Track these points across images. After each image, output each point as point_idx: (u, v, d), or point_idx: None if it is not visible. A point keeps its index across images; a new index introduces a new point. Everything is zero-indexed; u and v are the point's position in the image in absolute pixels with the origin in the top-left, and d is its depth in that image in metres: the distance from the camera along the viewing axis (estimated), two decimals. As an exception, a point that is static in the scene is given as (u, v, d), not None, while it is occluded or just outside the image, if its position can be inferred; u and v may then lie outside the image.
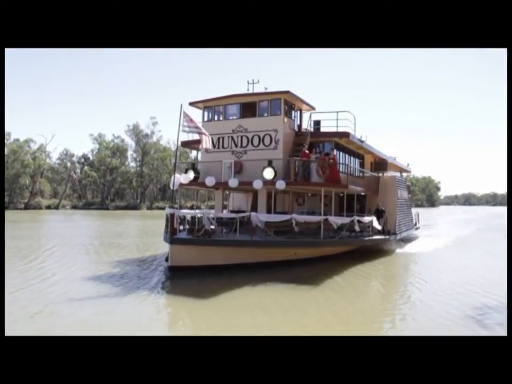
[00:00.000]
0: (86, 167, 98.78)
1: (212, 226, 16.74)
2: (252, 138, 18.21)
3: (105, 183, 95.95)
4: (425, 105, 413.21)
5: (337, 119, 18.76)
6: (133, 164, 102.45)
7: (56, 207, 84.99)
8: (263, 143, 18.01)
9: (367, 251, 20.15)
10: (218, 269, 14.50)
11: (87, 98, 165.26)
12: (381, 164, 25.09)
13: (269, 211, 17.49)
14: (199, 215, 17.00)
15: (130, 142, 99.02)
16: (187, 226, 16.89)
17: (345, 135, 18.80)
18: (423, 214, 44.56)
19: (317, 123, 19.98)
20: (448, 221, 61.09)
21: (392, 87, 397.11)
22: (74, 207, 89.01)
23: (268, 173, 16.57)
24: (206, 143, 15.50)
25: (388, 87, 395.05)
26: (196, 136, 16.42)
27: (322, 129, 19.85)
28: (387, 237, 20.70)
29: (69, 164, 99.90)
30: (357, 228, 17.41)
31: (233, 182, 16.54)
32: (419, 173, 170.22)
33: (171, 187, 16.98)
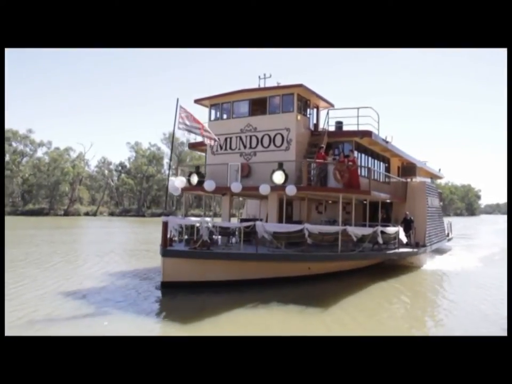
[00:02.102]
0: (123, 175, 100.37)
1: (215, 237, 15.10)
2: (262, 138, 16.42)
3: (141, 191, 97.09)
4: (465, 112, 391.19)
5: (357, 116, 16.69)
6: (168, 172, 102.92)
7: (94, 214, 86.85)
8: (274, 144, 16.17)
9: (392, 266, 17.93)
10: (219, 286, 12.85)
11: (124, 105, 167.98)
12: (409, 169, 22.58)
13: (280, 220, 15.57)
14: (197, 224, 15.29)
15: (166, 150, 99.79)
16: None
17: (367, 134, 16.65)
18: (462, 223, 41.29)
19: (339, 123, 17.94)
20: (489, 231, 56.80)
21: (427, 94, 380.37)
22: (111, 214, 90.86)
23: (278, 177, 14.72)
24: (210, 141, 13.98)
25: (420, 94, 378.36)
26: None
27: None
28: (415, 249, 18.30)
29: (106, 172, 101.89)
30: (380, 240, 15.20)
31: (236, 187, 14.78)
32: (458, 181, 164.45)
33: (172, 192, 15.61)
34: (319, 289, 13.67)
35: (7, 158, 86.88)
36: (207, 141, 13.96)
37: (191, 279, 12.77)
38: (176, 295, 12.06)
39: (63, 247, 25.07)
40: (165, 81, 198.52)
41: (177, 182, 14.43)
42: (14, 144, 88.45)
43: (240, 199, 22.18)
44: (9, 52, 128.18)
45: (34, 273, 15.65)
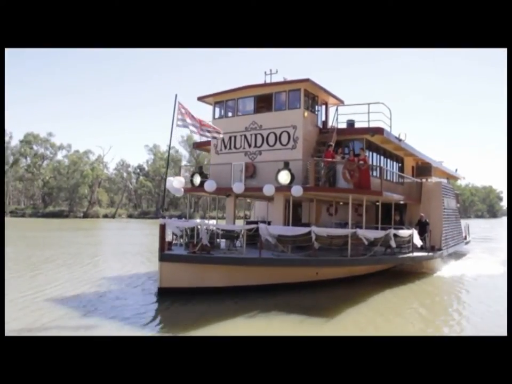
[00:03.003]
0: (141, 177, 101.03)
1: (217, 240, 14.42)
2: (267, 137, 15.66)
3: (160, 193, 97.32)
4: (485, 113, 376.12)
5: (368, 113, 15.74)
6: (186, 174, 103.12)
7: (113, 216, 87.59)
8: (280, 142, 15.39)
9: (406, 271, 16.94)
10: (219, 292, 12.17)
11: (142, 107, 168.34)
12: (424, 169, 21.40)
13: (287, 222, 14.78)
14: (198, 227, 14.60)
15: (184, 153, 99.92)
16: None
17: (379, 131, 15.68)
18: (483, 225, 39.74)
19: (350, 121, 17.04)
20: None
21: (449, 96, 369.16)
22: (130, 216, 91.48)
23: (283, 177, 13.91)
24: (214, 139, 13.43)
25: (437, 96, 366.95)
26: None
27: (351, 126, 16.96)
28: (431, 253, 17.24)
29: (125, 174, 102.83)
30: (393, 244, 14.24)
31: (238, 187, 14.05)
32: (479, 182, 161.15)
33: (172, 193, 15.05)
34: (327, 296, 12.86)
35: (28, 161, 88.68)
36: (209, 137, 13.34)
37: (190, 285, 12.15)
38: (173, 302, 11.44)
39: (88, 248, 25.66)
40: (184, 82, 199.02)
41: (176, 182, 13.79)
42: (35, 147, 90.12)
43: (248, 200, 21.44)
44: (28, 53, 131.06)
45: (57, 272, 16.33)
